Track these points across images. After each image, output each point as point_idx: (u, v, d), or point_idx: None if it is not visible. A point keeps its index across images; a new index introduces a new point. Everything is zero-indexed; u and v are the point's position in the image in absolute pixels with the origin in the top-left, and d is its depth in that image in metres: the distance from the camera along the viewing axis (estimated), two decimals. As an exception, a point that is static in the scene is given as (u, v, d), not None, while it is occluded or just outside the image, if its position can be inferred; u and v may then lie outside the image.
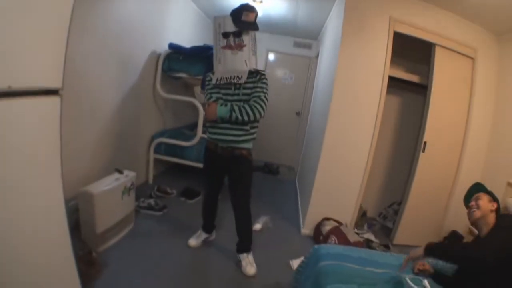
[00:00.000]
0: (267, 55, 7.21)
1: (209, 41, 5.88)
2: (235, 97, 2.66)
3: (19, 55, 1.47)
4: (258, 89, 2.63)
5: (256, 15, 2.59)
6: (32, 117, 1.61)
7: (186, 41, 5.26)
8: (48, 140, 1.73)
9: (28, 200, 1.60)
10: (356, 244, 3.33)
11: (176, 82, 5.03)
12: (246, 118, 2.56)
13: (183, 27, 5.34)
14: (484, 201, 2.02)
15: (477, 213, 1.97)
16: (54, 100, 1.74)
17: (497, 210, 2.02)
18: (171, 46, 4.50)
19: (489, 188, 2.19)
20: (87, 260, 2.39)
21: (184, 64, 4.44)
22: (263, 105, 2.61)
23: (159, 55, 4.49)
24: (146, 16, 4.07)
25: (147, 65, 4.28)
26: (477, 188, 2.22)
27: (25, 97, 1.52)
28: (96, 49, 3.16)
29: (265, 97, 2.63)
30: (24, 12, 1.45)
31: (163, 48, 4.55)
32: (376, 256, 2.42)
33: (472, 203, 2.06)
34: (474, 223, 2.02)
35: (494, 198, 2.07)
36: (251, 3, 4.60)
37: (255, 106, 2.57)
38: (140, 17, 3.91)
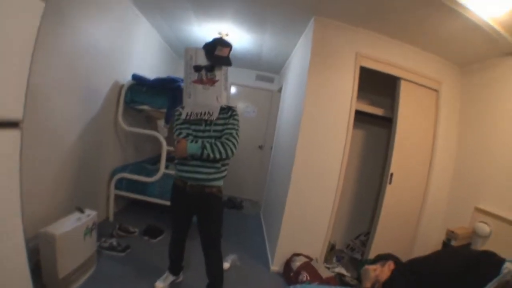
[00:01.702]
0: (229, 87, 7.16)
1: (173, 73, 5.89)
2: (206, 134, 2.57)
3: None
4: (230, 126, 2.56)
5: (230, 50, 2.56)
6: None
7: (150, 72, 5.17)
8: (6, 179, 1.58)
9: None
10: (329, 280, 3.27)
11: (139, 115, 4.89)
12: (218, 155, 2.47)
13: (147, 58, 5.25)
14: (379, 269, 2.11)
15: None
16: (13, 134, 1.61)
17: (396, 263, 2.14)
18: (135, 77, 4.36)
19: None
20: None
21: (148, 96, 4.31)
22: (235, 142, 2.53)
23: (121, 86, 4.34)
24: (110, 44, 3.95)
25: (109, 96, 4.12)
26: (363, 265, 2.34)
27: None
28: (57, 77, 3.00)
29: (236, 134, 2.56)
30: None
31: (126, 78, 4.41)
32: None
33: (366, 283, 2.10)
34: None
35: (385, 259, 2.19)
36: (219, 36, 4.63)
37: (227, 144, 2.49)
38: (103, 45, 3.78)
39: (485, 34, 3.16)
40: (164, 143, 4.35)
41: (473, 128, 3.99)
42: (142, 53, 5.02)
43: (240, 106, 7.26)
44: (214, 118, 2.53)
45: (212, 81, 2.52)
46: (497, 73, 3.69)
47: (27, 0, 1.57)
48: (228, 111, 2.59)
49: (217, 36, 4.76)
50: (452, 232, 3.51)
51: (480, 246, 3.41)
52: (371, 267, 2.10)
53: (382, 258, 2.20)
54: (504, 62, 3.59)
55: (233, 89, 7.31)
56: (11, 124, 1.59)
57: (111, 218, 4.43)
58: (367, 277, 2.06)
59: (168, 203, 3.02)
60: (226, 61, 2.54)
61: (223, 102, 2.58)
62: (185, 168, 2.58)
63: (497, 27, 3.04)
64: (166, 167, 4.45)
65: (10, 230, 1.60)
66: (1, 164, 1.55)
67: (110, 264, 3.30)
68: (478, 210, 3.56)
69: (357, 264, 2.36)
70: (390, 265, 2.09)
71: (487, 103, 3.80)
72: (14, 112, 1.60)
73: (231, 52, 2.63)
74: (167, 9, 4.28)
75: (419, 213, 4.18)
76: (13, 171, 1.61)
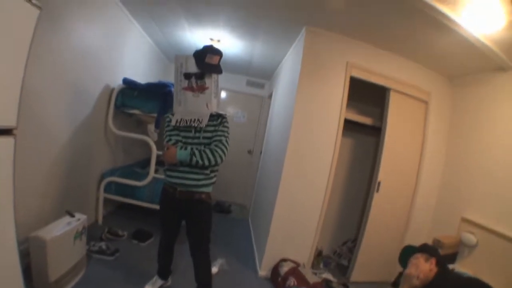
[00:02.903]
0: (220, 92, 7.24)
1: (164, 78, 5.91)
2: (196, 141, 2.60)
3: None
4: (220, 133, 2.59)
5: (221, 58, 2.60)
6: None
7: (141, 76, 5.19)
8: (0, 184, 1.61)
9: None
10: (316, 285, 3.32)
11: (129, 119, 4.89)
12: (206, 162, 2.50)
13: (138, 62, 5.26)
14: (421, 263, 2.05)
15: (417, 282, 1.99)
16: (7, 141, 1.63)
17: (438, 262, 2.06)
18: (125, 81, 4.37)
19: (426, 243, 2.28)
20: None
21: (138, 101, 4.33)
22: (225, 149, 2.57)
23: (112, 90, 4.35)
24: (101, 48, 3.96)
25: (99, 100, 4.13)
26: (410, 250, 2.27)
27: None
28: (47, 80, 3.00)
29: (226, 141, 2.60)
30: None
31: (117, 82, 4.42)
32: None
33: (412, 270, 2.06)
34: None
35: (431, 254, 2.11)
36: (211, 43, 4.66)
37: (216, 151, 2.53)
38: (95, 49, 3.79)
39: (476, 50, 3.19)
40: (154, 147, 4.37)
41: (462, 139, 4.06)
42: (134, 57, 5.03)
43: (230, 111, 7.29)
44: (204, 125, 2.56)
45: (202, 88, 2.55)
46: (488, 87, 3.76)
47: (22, 8, 1.60)
48: (218, 118, 2.62)
49: (209, 42, 4.81)
50: (439, 241, 3.54)
51: (467, 256, 3.46)
52: (413, 265, 2.08)
53: (428, 250, 2.16)
54: (495, 77, 3.65)
55: (223, 94, 7.35)
56: (5, 132, 1.61)
57: (100, 221, 4.43)
58: (408, 283, 2.03)
59: (157, 207, 3.04)
60: (216, 69, 2.58)
61: (213, 109, 2.61)
62: (175, 174, 2.60)
63: (489, 44, 3.08)
64: (156, 171, 4.46)
65: (3, 235, 1.62)
66: (1, 168, 1.58)
67: (100, 268, 3.30)
68: (465, 220, 3.62)
69: (402, 250, 2.33)
70: (432, 263, 2.04)
71: (476, 115, 3.87)
72: (8, 119, 1.63)
73: (222, 59, 2.67)
74: (159, 14, 4.31)
75: (406, 221, 4.25)
76: (7, 177, 1.64)
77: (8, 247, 1.64)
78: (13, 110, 1.65)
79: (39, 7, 1.70)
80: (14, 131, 1.67)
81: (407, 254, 2.25)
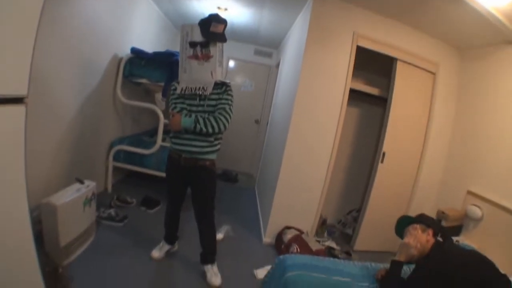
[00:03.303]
0: (227, 62, 7.21)
1: (172, 47, 5.89)
2: (200, 108, 2.64)
3: None
4: (223, 101, 2.63)
5: (225, 26, 2.59)
6: None
7: (149, 45, 5.18)
8: (12, 151, 1.66)
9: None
10: (318, 252, 3.39)
11: (137, 88, 4.92)
12: (210, 130, 2.54)
13: (146, 31, 5.25)
14: (419, 234, 2.07)
15: (415, 252, 2.00)
16: (19, 109, 1.68)
17: (434, 233, 2.08)
18: (133, 50, 4.38)
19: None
20: (54, 276, 2.29)
21: (146, 70, 4.35)
22: (228, 117, 2.61)
23: (120, 59, 4.37)
24: (110, 17, 3.96)
25: (108, 69, 4.16)
26: (407, 221, 2.27)
27: None
28: (57, 50, 3.03)
29: (230, 109, 2.63)
30: None
31: (125, 52, 4.43)
32: (341, 265, 2.47)
33: (410, 240, 2.07)
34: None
35: (427, 224, 2.12)
36: (218, 12, 4.63)
37: (220, 118, 2.57)
38: (103, 18, 3.80)
39: (487, 22, 3.12)
40: (161, 116, 4.42)
41: (470, 112, 4.02)
42: (141, 26, 5.02)
43: (238, 80, 7.29)
44: (208, 93, 2.59)
45: (207, 57, 2.57)
46: (498, 60, 3.69)
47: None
48: (222, 87, 2.65)
49: (216, 11, 4.78)
50: (443, 212, 3.59)
51: (472, 229, 3.49)
52: (411, 235, 2.08)
53: (424, 221, 2.17)
54: (505, 50, 3.58)
55: (231, 63, 7.31)
56: (16, 100, 1.65)
57: (110, 189, 4.55)
58: (405, 252, 2.04)
59: (164, 174, 3.11)
60: (220, 38, 2.58)
61: (218, 77, 2.63)
62: (180, 141, 2.66)
63: (500, 16, 3.02)
64: (163, 139, 4.53)
65: (16, 200, 1.69)
66: (8, 138, 1.63)
67: (109, 234, 3.42)
68: (471, 193, 3.63)
69: (398, 220, 2.35)
70: (429, 234, 2.06)
71: (485, 88, 3.82)
72: (19, 88, 1.67)
73: (228, 27, 2.67)
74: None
75: (410, 193, 4.28)
76: (19, 144, 1.69)
77: (20, 212, 1.71)
78: (24, 79, 1.68)
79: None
80: (25, 100, 1.71)
81: (403, 224, 2.27)
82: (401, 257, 2.04)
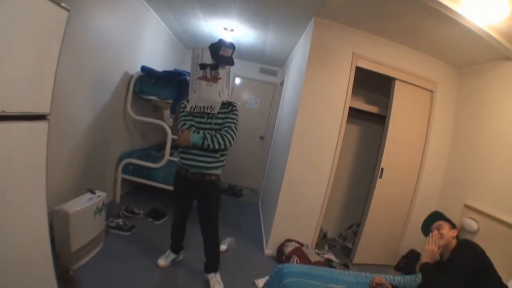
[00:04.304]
0: (233, 80, 7.41)
1: (180, 65, 6.11)
2: (207, 126, 2.83)
3: (13, 82, 1.61)
4: (229, 120, 2.82)
5: (233, 51, 2.80)
6: (22, 140, 1.75)
7: (158, 63, 5.42)
8: (36, 163, 1.85)
9: (16, 218, 1.70)
10: (317, 264, 3.52)
11: (146, 104, 5.13)
12: (217, 146, 2.72)
13: (155, 49, 5.48)
14: (446, 230, 2.24)
15: (442, 242, 2.18)
16: (42, 125, 1.87)
17: (457, 236, 2.25)
18: (144, 68, 4.62)
19: (446, 215, 2.43)
20: (65, 278, 2.45)
21: (155, 88, 4.57)
22: (233, 135, 2.79)
23: (131, 77, 4.60)
24: (122, 37, 4.18)
25: (119, 86, 4.37)
26: (436, 217, 2.44)
27: (17, 121, 1.67)
28: (71, 67, 3.22)
29: (235, 127, 2.82)
30: (20, 44, 1.61)
31: (135, 69, 4.66)
32: (335, 273, 2.62)
33: (435, 232, 2.25)
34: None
35: (453, 225, 2.30)
36: (225, 33, 4.86)
37: (226, 136, 2.75)
38: (115, 38, 4.01)
39: (481, 39, 3.24)
40: (169, 131, 4.63)
41: (467, 127, 4.12)
42: (151, 44, 5.25)
43: (244, 98, 7.48)
44: (216, 112, 2.78)
45: (216, 78, 2.77)
46: (494, 76, 3.79)
47: (53, 11, 1.83)
48: (228, 106, 2.85)
49: (222, 31, 5.01)
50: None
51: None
52: (432, 242, 2.20)
53: (451, 222, 2.35)
54: (501, 65, 3.68)
55: (237, 81, 7.52)
56: (40, 117, 1.86)
57: (118, 200, 4.73)
58: (430, 256, 2.16)
59: (171, 188, 3.27)
60: (229, 61, 2.79)
61: (225, 98, 2.83)
62: (187, 156, 2.84)
63: (494, 34, 3.13)
64: (171, 154, 4.72)
65: (37, 205, 1.87)
66: (33, 150, 1.83)
67: (117, 242, 3.59)
68: (467, 207, 3.71)
69: (430, 215, 2.50)
70: (454, 232, 2.23)
71: (482, 104, 3.91)
72: (43, 107, 1.87)
73: (235, 49, 2.87)
74: (175, 4, 4.50)
75: (409, 208, 4.41)
76: (41, 157, 1.89)
77: (39, 217, 1.89)
78: (47, 98, 1.89)
79: (67, 10, 1.93)
80: (48, 116, 1.90)
81: (433, 218, 2.44)
82: (427, 259, 2.17)
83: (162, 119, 4.79)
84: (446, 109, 4.36)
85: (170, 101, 4.54)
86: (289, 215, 4.06)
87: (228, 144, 2.75)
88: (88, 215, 3.06)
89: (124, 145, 4.97)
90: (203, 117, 2.84)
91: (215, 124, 2.82)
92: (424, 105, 4.29)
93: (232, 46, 2.80)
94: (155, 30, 5.33)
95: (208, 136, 2.71)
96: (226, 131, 2.77)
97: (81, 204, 2.97)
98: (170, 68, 5.23)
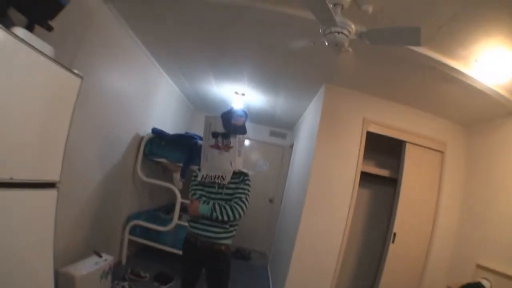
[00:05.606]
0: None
1: (190, 126, 6.19)
2: (218, 196, 2.78)
3: (22, 149, 1.63)
4: (240, 190, 2.78)
5: (245, 120, 2.84)
6: (31, 207, 1.74)
7: (169, 125, 5.51)
8: (46, 228, 1.84)
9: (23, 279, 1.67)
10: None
11: (156, 166, 5.14)
12: (226, 218, 2.67)
13: (166, 111, 5.59)
14: None
15: None
16: (51, 193, 1.87)
17: None
18: (155, 131, 4.68)
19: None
20: None
21: (166, 150, 4.61)
22: (244, 206, 2.74)
23: (142, 138, 4.65)
24: (134, 99, 4.27)
25: (129, 147, 4.42)
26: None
27: (25, 189, 1.67)
28: (82, 128, 3.22)
29: (246, 199, 2.78)
30: (31, 110, 1.64)
31: (146, 131, 4.72)
32: None
33: None
34: None
35: None
36: (236, 97, 4.96)
37: (236, 208, 2.70)
38: (128, 100, 4.10)
39: (490, 98, 3.26)
40: (178, 195, 4.59)
41: (478, 186, 4.06)
42: (163, 106, 5.37)
43: (253, 160, 7.51)
44: (226, 182, 2.76)
45: (227, 147, 2.79)
46: (504, 132, 3.77)
47: (67, 77, 1.89)
48: (240, 176, 2.83)
49: (234, 96, 5.12)
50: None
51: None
52: None
53: None
54: (509, 121, 3.66)
55: (247, 143, 7.57)
56: (50, 185, 1.86)
57: (124, 261, 4.61)
58: None
59: (179, 252, 3.20)
60: (241, 130, 2.82)
61: (237, 167, 2.82)
62: (197, 225, 2.79)
63: (502, 92, 3.16)
64: (180, 217, 4.66)
65: (43, 272, 1.84)
66: (42, 216, 1.83)
67: (122, 308, 3.47)
68: (480, 267, 3.59)
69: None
70: None
71: (492, 162, 3.88)
72: (53, 174, 1.88)
73: (247, 118, 2.92)
74: (187, 70, 4.67)
75: (421, 270, 4.24)
76: (49, 225, 1.88)
77: (46, 277, 1.86)
78: (57, 166, 1.90)
79: (81, 77, 1.99)
80: (58, 184, 1.91)
81: None
82: None
83: (172, 181, 4.79)
84: (456, 169, 4.32)
85: (180, 164, 4.55)
86: (301, 279, 3.91)
87: (238, 216, 2.70)
88: (94, 279, 3.00)
89: (132, 206, 4.92)
90: (213, 187, 2.81)
91: (226, 194, 2.79)
92: (435, 166, 4.26)
93: (244, 114, 2.84)
94: (167, 92, 5.45)
95: (217, 208, 2.68)
96: (236, 202, 2.73)
97: (88, 268, 2.93)
98: (179, 128, 5.32)
